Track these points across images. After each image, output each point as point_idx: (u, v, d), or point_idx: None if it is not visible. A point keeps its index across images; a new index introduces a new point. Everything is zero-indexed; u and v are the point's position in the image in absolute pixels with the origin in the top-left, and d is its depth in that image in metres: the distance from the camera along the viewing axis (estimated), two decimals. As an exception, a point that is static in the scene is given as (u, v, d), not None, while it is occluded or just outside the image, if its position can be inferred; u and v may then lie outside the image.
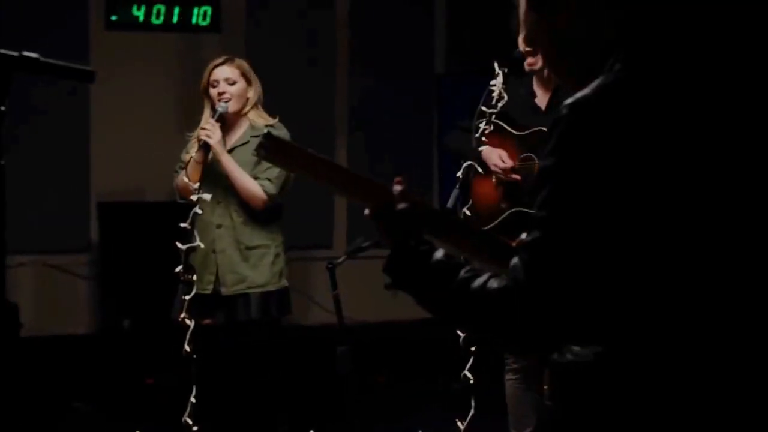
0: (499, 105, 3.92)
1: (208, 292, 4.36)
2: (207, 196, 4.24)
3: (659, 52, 1.57)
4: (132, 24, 6.78)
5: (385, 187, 1.72)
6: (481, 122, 3.89)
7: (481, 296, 1.56)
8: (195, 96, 6.76)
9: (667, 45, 1.59)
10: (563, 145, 1.52)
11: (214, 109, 4.38)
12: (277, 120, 4.46)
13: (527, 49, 3.97)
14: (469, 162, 3.88)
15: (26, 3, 6.50)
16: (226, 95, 4.36)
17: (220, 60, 4.45)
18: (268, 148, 1.66)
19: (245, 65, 4.44)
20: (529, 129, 4.15)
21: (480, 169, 4.05)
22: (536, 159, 4.10)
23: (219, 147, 4.29)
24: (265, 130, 4.22)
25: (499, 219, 4.17)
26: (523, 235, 1.73)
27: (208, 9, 6.90)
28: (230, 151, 4.39)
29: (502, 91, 3.93)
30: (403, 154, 7.16)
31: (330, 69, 7.29)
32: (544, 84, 4.20)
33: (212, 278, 4.37)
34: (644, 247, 1.51)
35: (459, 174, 3.90)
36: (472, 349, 3.79)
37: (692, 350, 1.53)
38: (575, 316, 1.52)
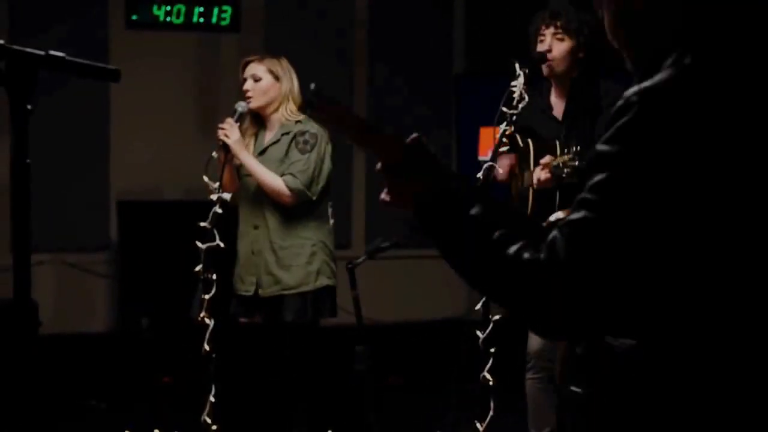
0: (520, 106, 3.92)
1: (250, 293, 4.38)
2: (227, 196, 4.25)
3: (732, 48, 1.54)
4: (152, 23, 6.80)
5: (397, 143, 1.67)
6: (502, 124, 3.89)
7: (513, 264, 1.51)
8: (214, 95, 6.82)
9: (740, 40, 1.55)
10: (629, 133, 1.48)
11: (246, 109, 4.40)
12: (305, 117, 4.46)
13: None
14: (490, 162, 3.88)
15: (46, 1, 6.52)
16: (249, 93, 4.37)
17: (252, 57, 4.46)
18: (315, 102, 1.66)
19: (276, 62, 4.42)
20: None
21: (500, 170, 4.05)
22: (526, 169, 4.16)
23: (237, 146, 4.29)
24: (296, 129, 4.17)
25: None
26: (552, 217, 1.72)
27: (228, 9, 6.91)
28: (264, 151, 4.40)
29: (523, 92, 3.93)
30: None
31: (349, 69, 7.29)
32: (560, 93, 4.20)
33: (254, 279, 4.38)
34: (702, 245, 1.48)
35: (479, 175, 3.90)
36: (492, 350, 3.79)
37: (738, 350, 1.50)
38: (610, 304, 1.49)
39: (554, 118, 4.21)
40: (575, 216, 1.49)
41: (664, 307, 1.51)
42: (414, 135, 1.67)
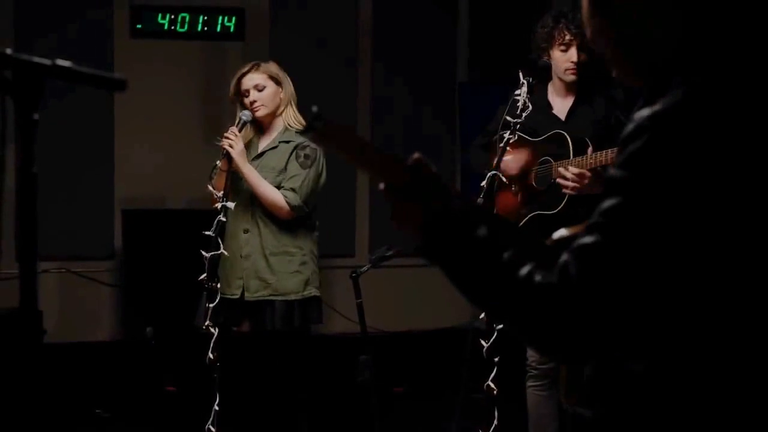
0: (524, 115, 3.92)
1: (236, 296, 4.37)
2: (231, 205, 4.24)
3: (740, 66, 1.53)
4: (157, 32, 6.81)
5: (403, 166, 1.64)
6: (505, 132, 3.90)
7: (524, 287, 1.49)
8: (219, 104, 6.82)
9: (746, 57, 1.54)
10: (642, 159, 1.47)
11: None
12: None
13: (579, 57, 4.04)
14: (494, 172, 3.88)
15: (51, 10, 6.54)
16: (258, 103, 4.36)
17: (246, 68, 4.44)
18: (316, 127, 1.62)
19: (272, 67, 4.43)
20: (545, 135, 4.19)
21: (504, 179, 4.06)
22: (553, 161, 4.14)
23: (240, 158, 4.29)
24: (297, 141, 4.19)
25: (521, 224, 4.21)
26: (555, 235, 1.70)
27: (233, 17, 6.93)
28: (261, 155, 4.40)
29: (527, 100, 3.93)
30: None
31: (353, 77, 7.30)
32: (564, 92, 4.21)
33: (240, 282, 4.37)
34: (716, 268, 1.47)
35: (483, 183, 3.90)
36: (496, 359, 3.79)
37: (749, 374, 1.50)
38: (625, 327, 1.49)
39: (555, 116, 4.21)
40: (587, 240, 1.48)
41: (676, 330, 1.51)
42: (416, 155, 1.65)
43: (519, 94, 3.93)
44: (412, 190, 1.62)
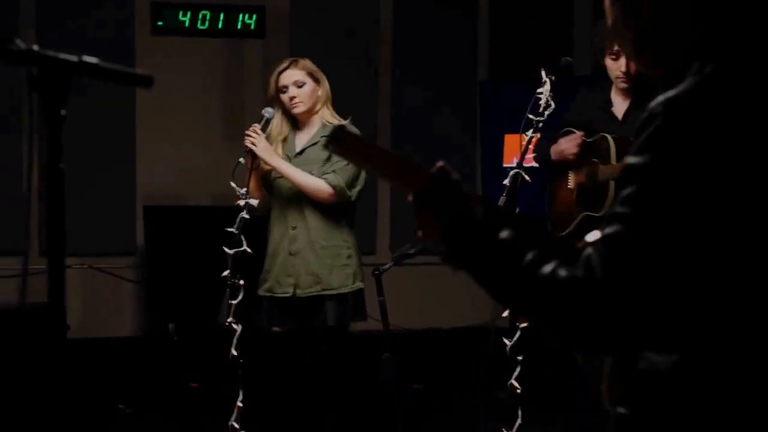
0: (546, 113, 3.91)
1: (288, 295, 4.35)
2: (254, 202, 4.24)
3: (754, 55, 1.53)
4: (178, 29, 6.83)
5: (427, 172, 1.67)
6: (528, 131, 3.89)
7: (549, 283, 1.50)
8: (239, 101, 6.84)
9: (760, 47, 1.54)
10: (657, 144, 1.47)
11: (286, 114, 4.39)
12: (349, 120, 4.41)
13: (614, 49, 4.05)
14: (516, 170, 3.87)
15: (72, 8, 6.57)
16: (297, 99, 4.34)
17: (285, 64, 4.40)
18: (338, 141, 1.65)
19: (310, 64, 4.40)
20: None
21: (527, 177, 4.04)
22: (600, 163, 4.14)
23: (266, 153, 4.27)
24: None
25: (574, 224, 4.23)
26: (588, 237, 1.70)
27: (254, 15, 6.94)
28: (302, 152, 4.39)
29: (549, 98, 3.92)
30: (447, 160, 7.13)
31: (373, 75, 7.29)
32: (622, 95, 4.21)
33: (292, 280, 4.34)
34: (736, 254, 1.47)
35: (506, 182, 3.89)
36: (519, 357, 3.78)
37: None
38: (651, 320, 1.48)
39: (613, 115, 4.22)
40: (609, 231, 1.48)
41: (703, 319, 1.49)
42: (439, 163, 1.66)
43: (541, 93, 3.92)
44: (432, 199, 1.64)
